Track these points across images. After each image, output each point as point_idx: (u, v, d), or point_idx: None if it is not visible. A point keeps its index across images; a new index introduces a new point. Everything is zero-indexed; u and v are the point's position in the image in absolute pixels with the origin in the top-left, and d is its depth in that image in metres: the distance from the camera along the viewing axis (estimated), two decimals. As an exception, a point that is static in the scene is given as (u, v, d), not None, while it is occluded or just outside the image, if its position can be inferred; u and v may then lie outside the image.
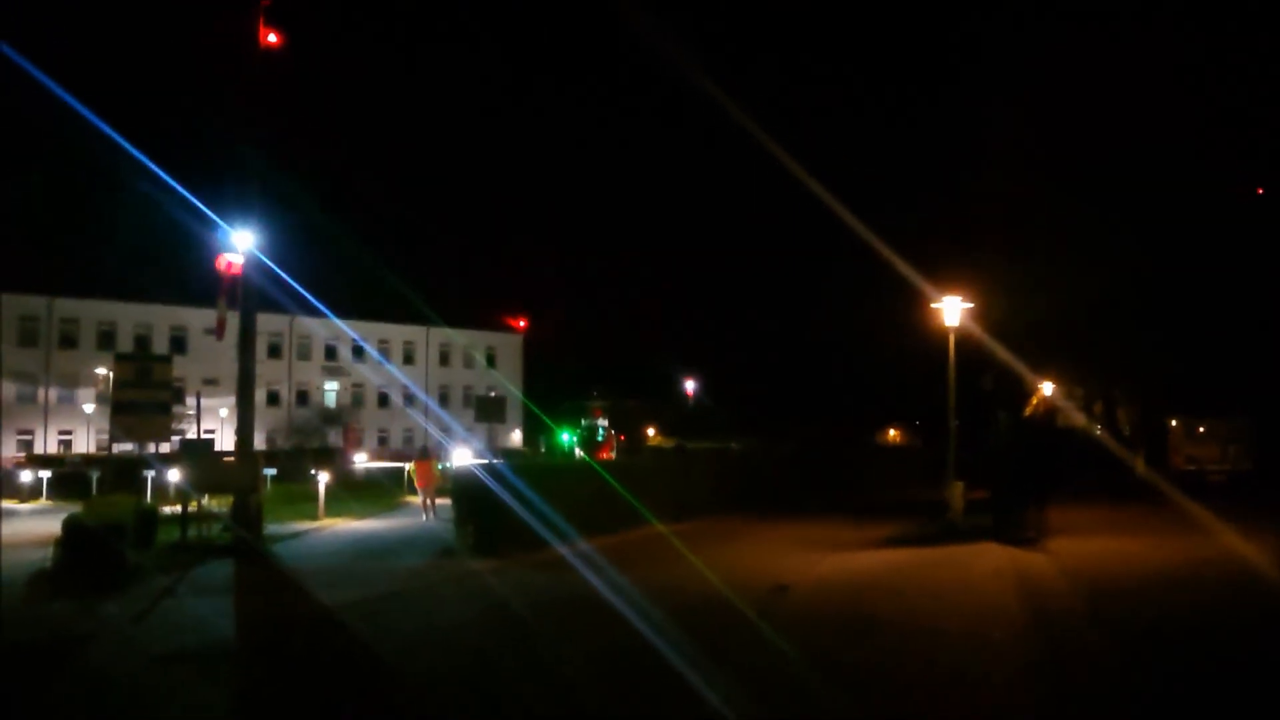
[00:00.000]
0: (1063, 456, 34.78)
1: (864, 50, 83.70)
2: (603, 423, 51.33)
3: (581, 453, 44.25)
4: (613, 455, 43.73)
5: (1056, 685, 8.20)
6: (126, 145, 21.43)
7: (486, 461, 22.84)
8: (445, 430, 62.33)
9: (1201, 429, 39.46)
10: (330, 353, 68.73)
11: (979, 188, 37.73)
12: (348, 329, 64.26)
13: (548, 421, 54.75)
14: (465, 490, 18.41)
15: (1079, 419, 44.80)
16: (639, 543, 18.45)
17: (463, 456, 32.59)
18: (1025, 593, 12.52)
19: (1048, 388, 40.87)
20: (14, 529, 22.68)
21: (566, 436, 49.27)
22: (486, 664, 9.21)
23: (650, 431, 66.52)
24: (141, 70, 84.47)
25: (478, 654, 9.63)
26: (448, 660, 9.38)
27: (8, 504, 31.73)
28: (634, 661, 8.87)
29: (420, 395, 70.25)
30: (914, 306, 28.70)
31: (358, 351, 68.53)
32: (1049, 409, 42.77)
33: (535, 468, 25.71)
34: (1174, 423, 40.92)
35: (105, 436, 46.98)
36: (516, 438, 69.28)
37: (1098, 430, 43.78)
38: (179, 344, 58.72)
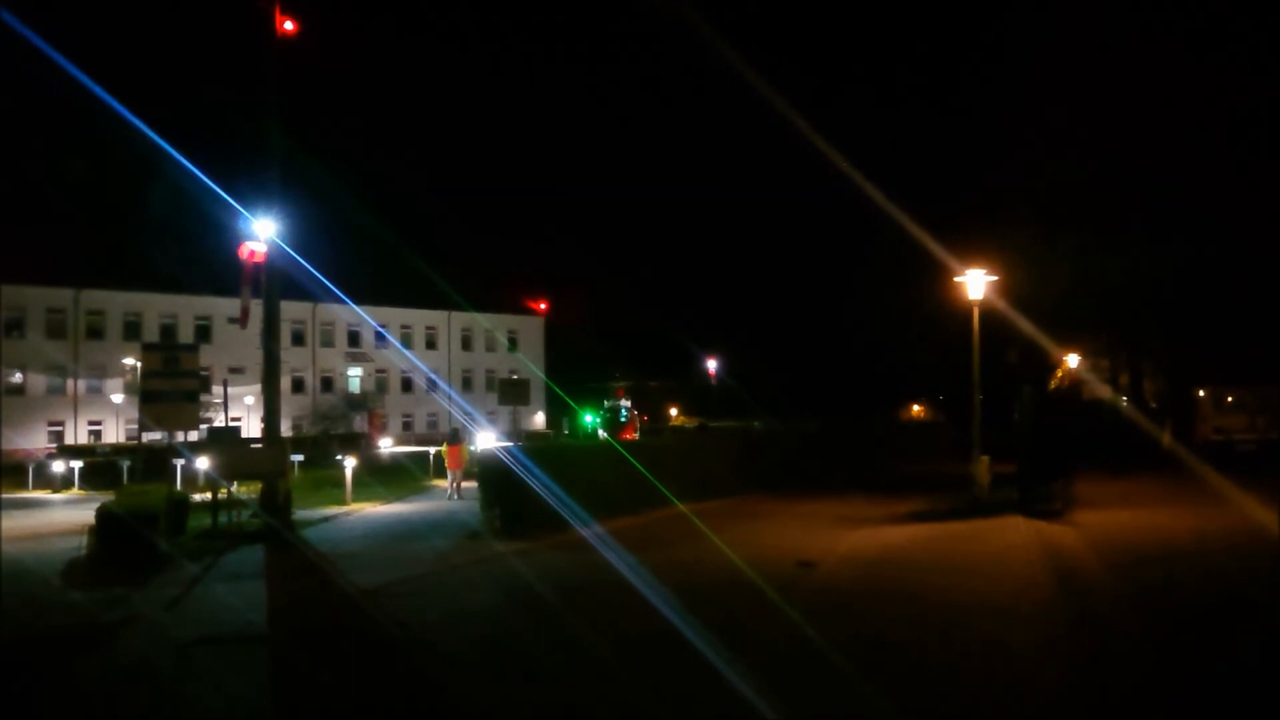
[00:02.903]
0: (1088, 429, 34.57)
1: (890, 24, 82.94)
2: (625, 403, 51.46)
3: (605, 434, 44.38)
4: (636, 436, 43.85)
5: (1085, 656, 8.19)
6: (150, 133, 21.57)
7: (511, 444, 22.97)
8: (469, 414, 62.60)
9: (1230, 399, 39.03)
10: (353, 339, 69.08)
11: (1005, 161, 37.33)
12: (367, 317, 64.56)
13: (571, 403, 54.91)
14: (491, 473, 18.51)
15: (1104, 391, 44.46)
16: (663, 523, 18.52)
17: (487, 439, 32.82)
18: (1052, 565, 12.49)
19: (1073, 360, 40.58)
20: (47, 519, 23.06)
21: (590, 418, 49.42)
22: (517, 645, 9.30)
23: (673, 411, 66.60)
24: (164, 58, 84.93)
25: (508, 636, 9.72)
26: (478, 642, 9.47)
27: (41, 494, 32.24)
28: (661, 641, 8.91)
29: (440, 382, 70.48)
30: (938, 280, 28.55)
31: (381, 337, 68.86)
32: (1074, 382, 42.49)
33: (559, 450, 25.84)
34: (1201, 393, 40.49)
35: (134, 426, 47.44)
36: (540, 420, 69.52)
37: (1124, 402, 43.43)
38: (204, 333, 59.15)
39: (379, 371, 70.71)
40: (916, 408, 72.54)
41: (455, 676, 8.15)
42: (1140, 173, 34.76)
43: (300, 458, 32.77)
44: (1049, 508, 18.02)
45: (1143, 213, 35.14)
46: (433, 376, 70.38)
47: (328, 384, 67.76)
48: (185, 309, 60.69)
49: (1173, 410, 40.90)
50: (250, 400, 50.34)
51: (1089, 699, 7.17)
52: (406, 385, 71.97)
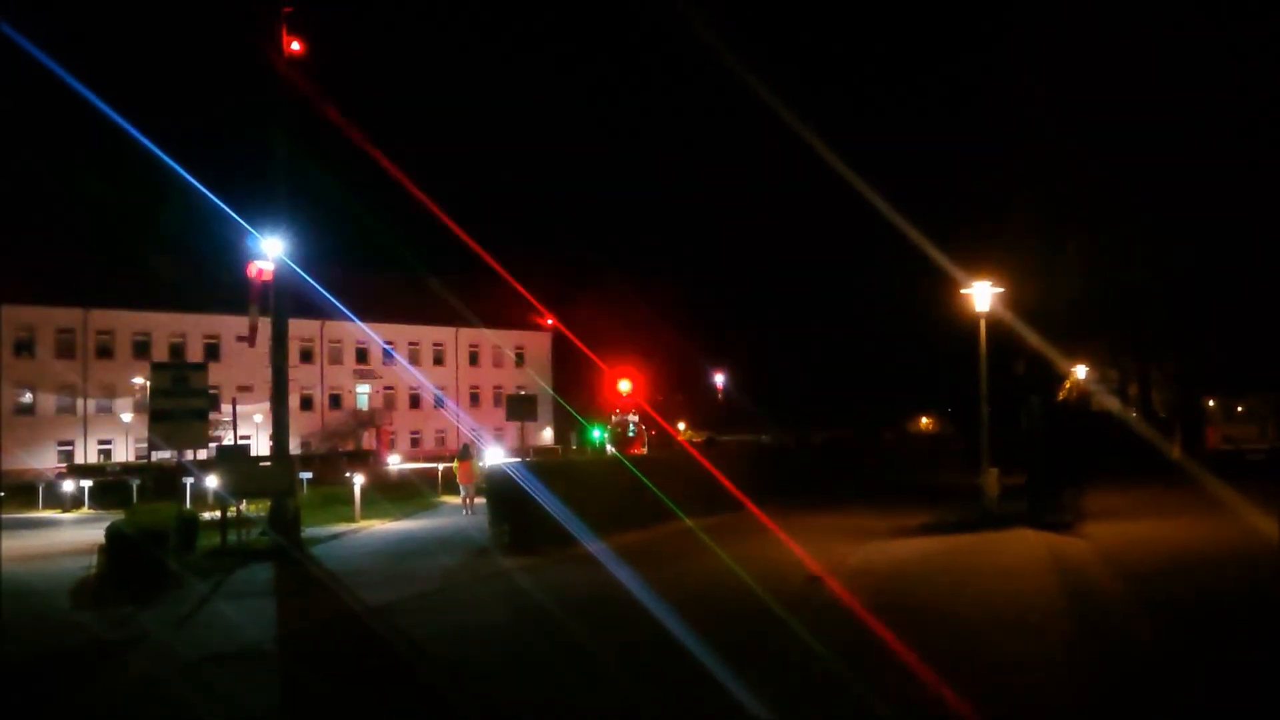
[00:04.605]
0: (1097, 440, 34.47)
1: (896, 32, 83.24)
2: (633, 418, 51.36)
3: (613, 449, 44.32)
4: (644, 450, 43.78)
5: (1096, 668, 8.16)
6: (159, 153, 21.75)
7: (519, 460, 23.00)
8: (476, 430, 62.63)
9: (1240, 408, 38.96)
10: (361, 355, 69.24)
11: (1009, 172, 37.32)
12: (374, 335, 64.76)
13: (579, 418, 54.87)
14: (499, 489, 18.53)
15: (1112, 402, 44.35)
16: (671, 537, 18.49)
17: (496, 455, 32.84)
18: (1062, 576, 12.45)
19: (1081, 371, 40.49)
20: (57, 538, 23.13)
21: (598, 433, 49.35)
22: (526, 661, 9.29)
23: (681, 426, 66.50)
24: (173, 80, 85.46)
25: (517, 651, 9.72)
26: (486, 658, 9.47)
27: (51, 513, 32.31)
28: (670, 657, 8.90)
29: (446, 400, 70.50)
30: (945, 293, 28.50)
31: (389, 354, 69.04)
32: (1082, 393, 42.40)
33: (567, 465, 25.85)
34: (1211, 403, 40.40)
35: (144, 445, 47.56)
36: (548, 435, 69.50)
37: (1132, 414, 43.29)
38: (212, 351, 59.38)
39: (387, 388, 70.83)
40: (925, 420, 72.40)
41: (463, 693, 8.14)
42: (1149, 177, 34.71)
43: (309, 475, 32.80)
44: (1058, 519, 17.97)
45: (1151, 217, 35.06)
46: (438, 394, 70.44)
47: (336, 401, 67.88)
48: (194, 327, 60.93)
49: (1182, 420, 40.75)
50: (259, 418, 50.40)
51: (1099, 711, 7.15)
52: (415, 401, 72.09)
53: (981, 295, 21.47)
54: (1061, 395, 39.48)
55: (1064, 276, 35.67)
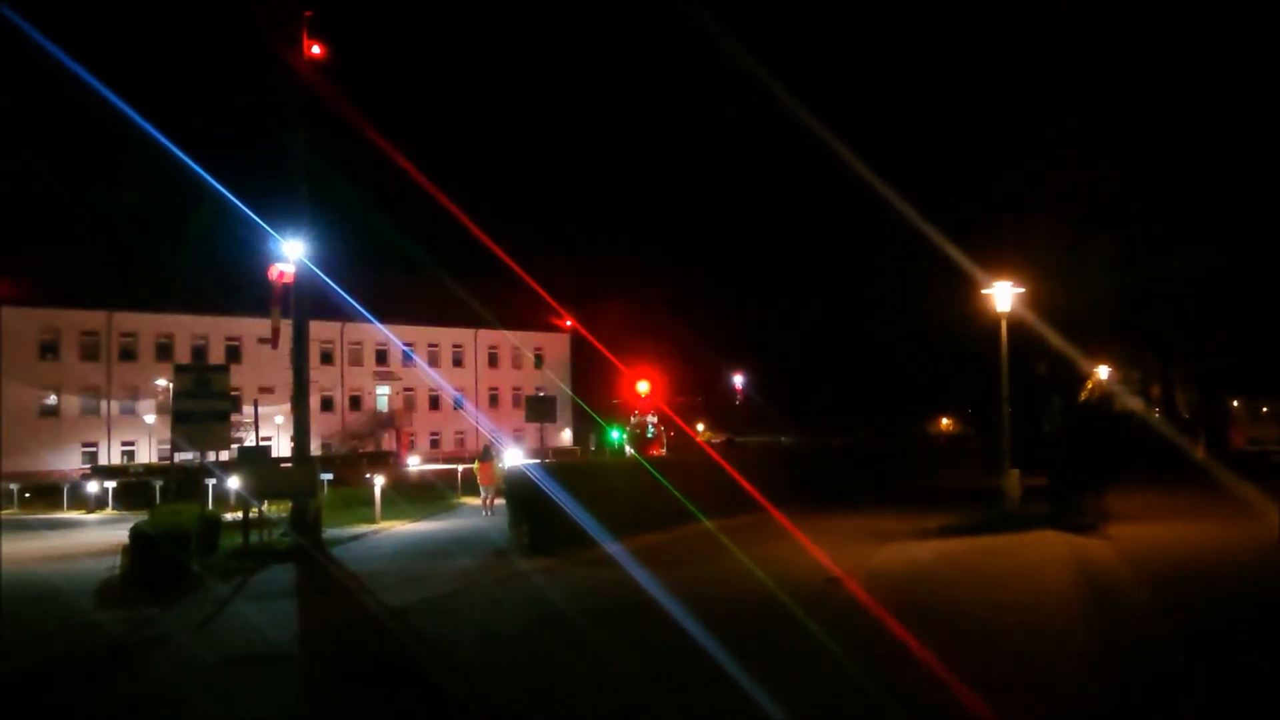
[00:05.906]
0: (1120, 441, 34.16)
1: (912, 33, 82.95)
2: (652, 419, 51.33)
3: (632, 450, 44.30)
4: (663, 452, 43.75)
5: (1120, 673, 8.10)
6: (182, 156, 21.91)
7: (538, 461, 23.05)
8: (495, 431, 62.77)
9: (1264, 409, 38.58)
10: (381, 357, 69.54)
11: (1031, 171, 37.09)
12: (394, 337, 64.99)
13: (598, 419, 54.89)
14: (518, 490, 18.56)
15: (1135, 403, 43.96)
16: (690, 539, 18.46)
17: (515, 457, 32.93)
18: (1085, 579, 12.36)
19: (1103, 371, 40.15)
20: (82, 539, 23.35)
21: (616, 434, 49.36)
22: (544, 664, 9.30)
23: (700, 427, 66.46)
24: (195, 83, 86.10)
25: (535, 654, 9.73)
26: (505, 660, 9.48)
27: (76, 514, 32.62)
28: (688, 658, 8.88)
29: (462, 399, 70.66)
30: (965, 293, 28.35)
31: (408, 355, 69.30)
32: (1105, 393, 42.04)
33: (585, 467, 25.88)
34: (1235, 403, 39.99)
35: (167, 446, 47.95)
36: (567, 437, 69.57)
37: (1156, 414, 42.91)
38: (234, 353, 59.75)
39: (407, 390, 71.09)
40: (945, 421, 72.06)
41: (482, 695, 8.17)
42: (1170, 176, 34.41)
43: (330, 476, 32.94)
44: (1081, 521, 17.81)
45: (1172, 217, 34.76)
46: (457, 396, 70.61)
47: (356, 403, 68.20)
48: (216, 330, 61.37)
49: (1206, 421, 40.37)
50: (280, 419, 50.73)
51: (1117, 713, 7.09)
52: (434, 403, 72.31)
53: (1003, 295, 21.32)
54: (1083, 396, 39.15)
55: (1086, 274, 35.40)
